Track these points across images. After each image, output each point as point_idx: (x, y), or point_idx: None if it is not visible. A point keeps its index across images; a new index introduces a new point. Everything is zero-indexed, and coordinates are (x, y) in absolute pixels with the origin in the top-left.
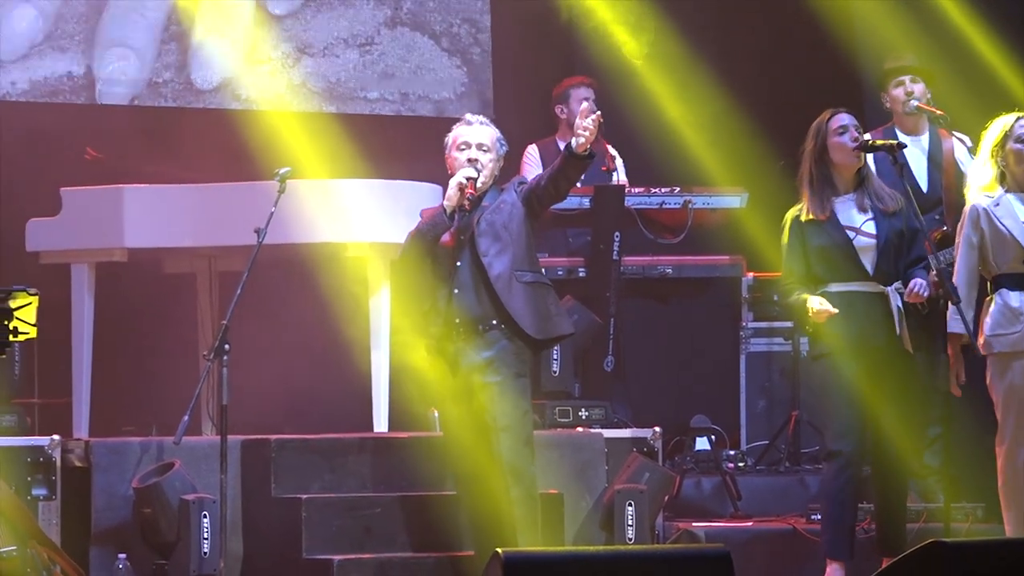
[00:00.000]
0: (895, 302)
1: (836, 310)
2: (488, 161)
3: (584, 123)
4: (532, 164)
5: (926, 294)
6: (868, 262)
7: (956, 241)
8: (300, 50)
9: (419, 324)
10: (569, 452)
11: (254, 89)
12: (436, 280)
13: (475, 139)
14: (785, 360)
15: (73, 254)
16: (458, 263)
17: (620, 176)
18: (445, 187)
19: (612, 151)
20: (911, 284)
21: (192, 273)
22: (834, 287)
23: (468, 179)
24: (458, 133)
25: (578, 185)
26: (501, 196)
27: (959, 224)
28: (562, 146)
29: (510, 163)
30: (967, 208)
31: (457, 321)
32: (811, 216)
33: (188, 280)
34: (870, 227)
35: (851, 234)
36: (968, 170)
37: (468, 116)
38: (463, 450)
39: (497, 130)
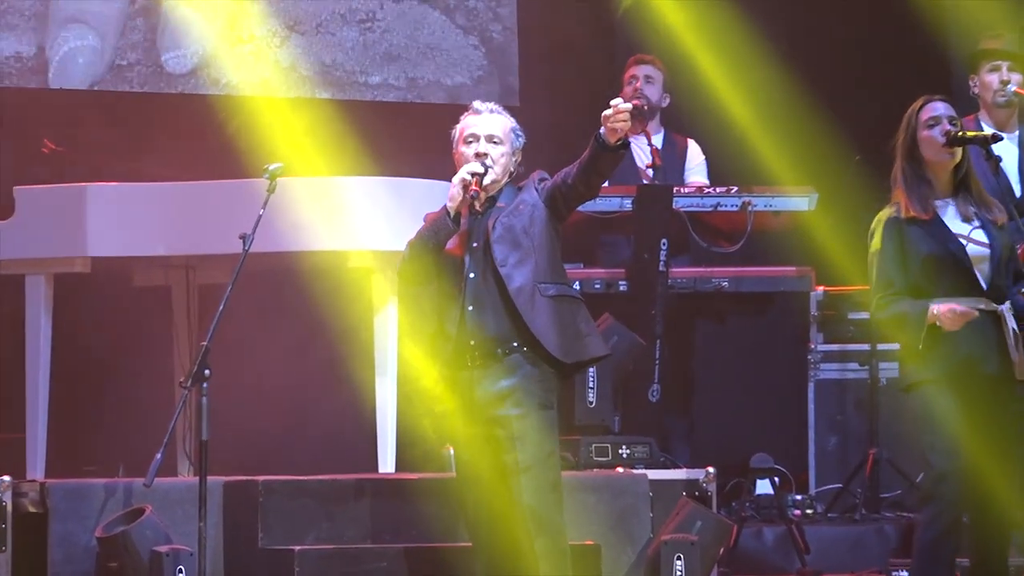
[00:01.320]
0: (1011, 323)
1: (976, 312)
2: (500, 155)
3: (607, 112)
4: None
5: None
6: (982, 275)
7: None
8: (289, 27)
9: (426, 348)
10: (608, 496)
11: (235, 73)
12: (444, 296)
13: (484, 130)
14: (861, 389)
15: (28, 263)
16: (471, 275)
17: (699, 176)
18: None
19: (693, 146)
20: None
21: (167, 286)
22: (939, 303)
23: (473, 175)
24: (465, 124)
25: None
26: (520, 195)
27: None
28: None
29: (539, 157)
30: None
31: (472, 343)
32: (912, 214)
33: (162, 294)
34: (980, 235)
35: (962, 240)
36: None
37: (476, 104)
38: (479, 495)
39: (512, 119)
